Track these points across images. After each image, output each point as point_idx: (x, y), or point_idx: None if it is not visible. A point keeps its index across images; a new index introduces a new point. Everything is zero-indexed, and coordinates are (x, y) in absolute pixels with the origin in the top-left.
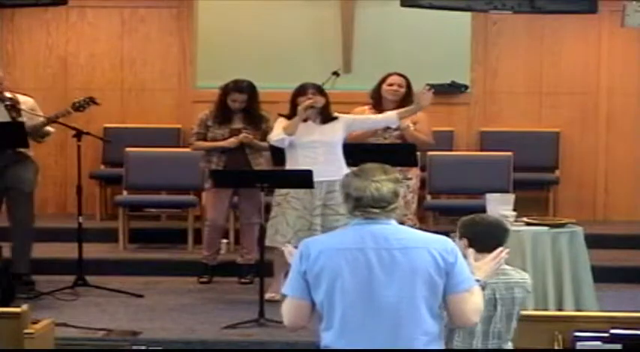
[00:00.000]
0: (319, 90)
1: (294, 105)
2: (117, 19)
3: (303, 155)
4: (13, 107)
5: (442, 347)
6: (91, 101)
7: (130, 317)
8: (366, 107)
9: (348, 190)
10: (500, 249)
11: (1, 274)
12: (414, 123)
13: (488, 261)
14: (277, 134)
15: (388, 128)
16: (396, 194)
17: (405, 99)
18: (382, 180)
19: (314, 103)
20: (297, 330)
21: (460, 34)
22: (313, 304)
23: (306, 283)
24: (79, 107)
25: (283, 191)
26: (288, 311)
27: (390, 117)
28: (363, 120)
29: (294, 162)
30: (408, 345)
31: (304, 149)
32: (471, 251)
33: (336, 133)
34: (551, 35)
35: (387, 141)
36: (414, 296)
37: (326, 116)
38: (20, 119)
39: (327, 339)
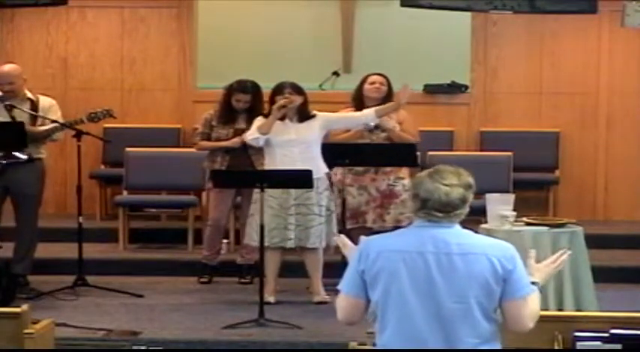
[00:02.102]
0: (296, 89)
1: (272, 104)
2: (117, 19)
3: (281, 154)
4: (18, 110)
5: (498, 347)
6: (109, 114)
7: (130, 317)
8: (349, 109)
9: (417, 190)
10: (562, 251)
11: (1, 274)
12: (400, 124)
13: (548, 264)
14: (252, 133)
15: (375, 128)
16: (464, 200)
17: (387, 97)
18: (453, 185)
19: (288, 103)
20: (352, 325)
21: (460, 34)
22: (368, 301)
23: (363, 282)
24: (94, 118)
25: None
26: (342, 308)
27: (368, 114)
28: (342, 117)
29: (272, 161)
30: (459, 347)
31: (281, 148)
32: (532, 251)
33: (312, 132)
34: (551, 35)
35: (374, 142)
36: (470, 302)
37: (303, 115)
38: (36, 122)
39: (381, 339)
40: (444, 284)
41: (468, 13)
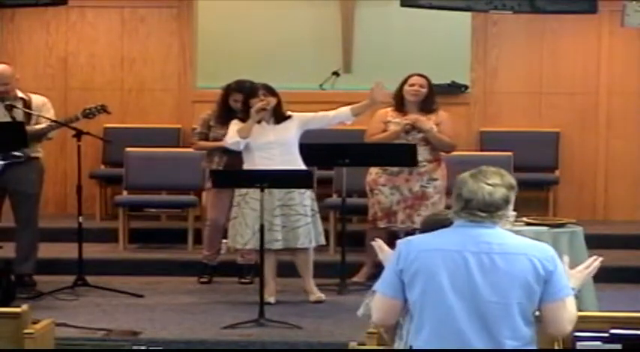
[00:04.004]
0: (270, 90)
1: (246, 107)
2: (117, 19)
3: (260, 156)
4: (18, 110)
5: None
6: (103, 109)
7: (130, 317)
8: (389, 109)
9: (460, 191)
10: (595, 257)
11: (1, 274)
12: (437, 125)
13: (582, 269)
14: (231, 137)
15: (411, 130)
16: (507, 201)
17: (427, 99)
18: (496, 185)
19: (266, 105)
20: (386, 327)
21: (460, 34)
22: (405, 302)
23: (401, 282)
24: (89, 114)
25: (243, 191)
26: (378, 309)
27: (343, 113)
28: (317, 117)
29: (251, 164)
30: (501, 348)
31: (260, 150)
32: (565, 258)
33: (290, 133)
34: (551, 35)
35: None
36: (510, 302)
37: (279, 116)
38: (30, 121)
39: (418, 339)
40: (484, 283)
41: (468, 13)
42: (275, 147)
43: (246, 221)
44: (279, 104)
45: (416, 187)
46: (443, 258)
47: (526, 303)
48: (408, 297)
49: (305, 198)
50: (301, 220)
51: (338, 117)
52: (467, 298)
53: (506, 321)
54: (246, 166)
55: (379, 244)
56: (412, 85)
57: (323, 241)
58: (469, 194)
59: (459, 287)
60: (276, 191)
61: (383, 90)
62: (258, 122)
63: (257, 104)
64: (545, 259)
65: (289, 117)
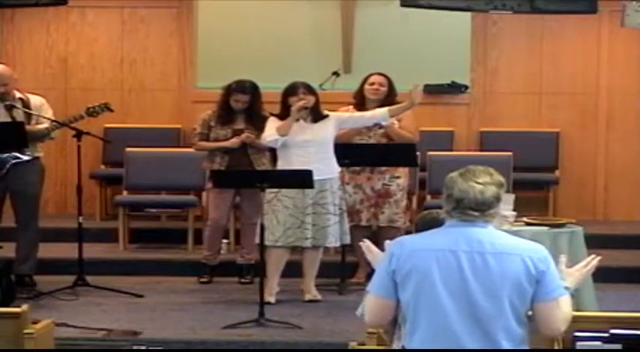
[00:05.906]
0: (309, 89)
1: (285, 105)
2: (117, 19)
3: (297, 154)
4: (19, 110)
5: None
6: (106, 107)
7: (130, 317)
8: (350, 107)
9: (451, 191)
10: (592, 256)
11: (1, 274)
12: (399, 121)
13: (580, 268)
14: (270, 135)
15: (373, 126)
16: (498, 199)
17: (387, 98)
18: (487, 183)
19: (306, 104)
20: (382, 327)
21: (460, 34)
22: (398, 302)
23: (394, 283)
24: (92, 112)
25: (274, 189)
26: (371, 310)
27: (381, 113)
28: (355, 117)
29: (287, 162)
30: (495, 348)
31: (297, 148)
32: (563, 257)
33: (327, 132)
34: (551, 35)
35: (371, 140)
36: (502, 302)
37: (317, 115)
38: (30, 121)
39: (412, 340)
40: (476, 283)
41: (468, 13)
42: (311, 145)
43: (277, 218)
44: (317, 103)
45: (378, 185)
46: (436, 257)
47: (518, 303)
48: (400, 297)
49: (336, 197)
50: (331, 219)
51: (375, 118)
52: (459, 298)
53: (500, 321)
54: (281, 164)
55: (367, 245)
56: (372, 83)
57: (348, 240)
58: (460, 193)
59: (452, 287)
60: (308, 190)
61: (420, 91)
62: (297, 120)
63: (297, 103)
64: (537, 259)
65: (326, 116)
